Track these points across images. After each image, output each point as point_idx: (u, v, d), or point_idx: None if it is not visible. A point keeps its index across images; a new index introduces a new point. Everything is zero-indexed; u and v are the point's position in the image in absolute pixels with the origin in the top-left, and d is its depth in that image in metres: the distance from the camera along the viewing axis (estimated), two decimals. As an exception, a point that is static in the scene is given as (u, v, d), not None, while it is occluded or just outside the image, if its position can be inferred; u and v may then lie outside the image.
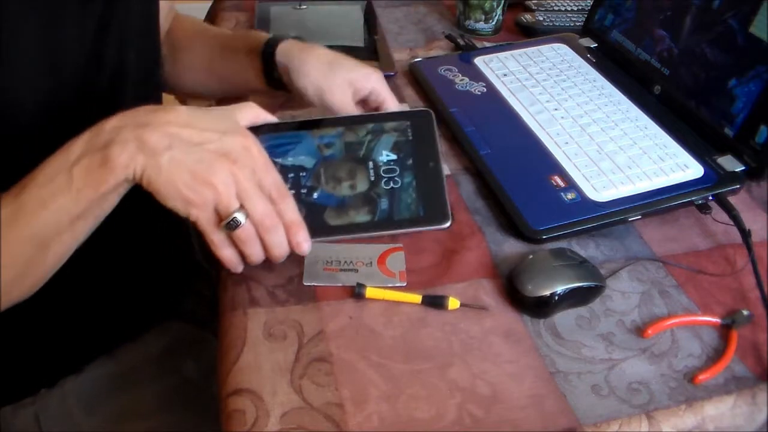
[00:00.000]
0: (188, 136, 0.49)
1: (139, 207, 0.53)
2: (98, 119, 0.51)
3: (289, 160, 0.56)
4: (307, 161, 0.56)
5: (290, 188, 0.55)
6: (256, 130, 0.53)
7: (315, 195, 0.56)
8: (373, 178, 0.55)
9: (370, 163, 0.55)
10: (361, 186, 0.55)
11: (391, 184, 0.55)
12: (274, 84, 0.73)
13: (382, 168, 0.55)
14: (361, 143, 0.56)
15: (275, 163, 0.53)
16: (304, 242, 0.54)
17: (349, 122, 0.57)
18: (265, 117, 0.55)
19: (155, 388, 0.74)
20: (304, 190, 0.55)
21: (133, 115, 0.49)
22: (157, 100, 0.75)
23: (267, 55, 0.71)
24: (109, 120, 0.49)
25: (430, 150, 0.56)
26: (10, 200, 0.49)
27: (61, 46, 0.57)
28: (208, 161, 0.49)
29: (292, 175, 0.56)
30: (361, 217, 0.56)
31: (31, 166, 0.50)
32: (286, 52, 0.70)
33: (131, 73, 0.66)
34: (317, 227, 0.56)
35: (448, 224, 0.55)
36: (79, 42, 0.59)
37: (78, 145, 0.49)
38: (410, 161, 0.55)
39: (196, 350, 0.78)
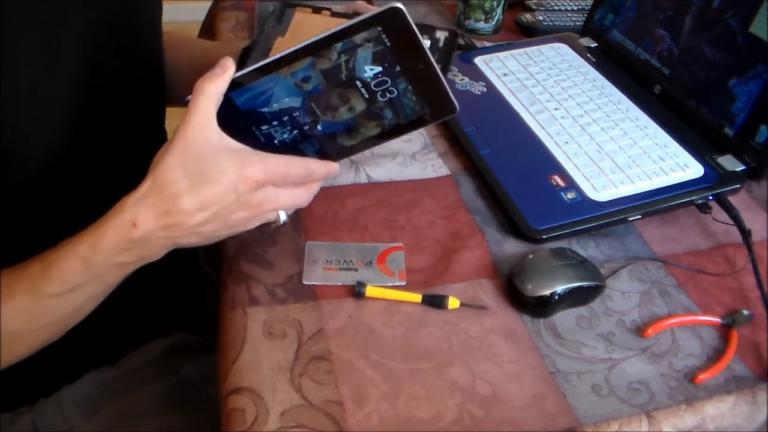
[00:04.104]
0: (211, 217, 0.50)
1: None
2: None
3: (275, 106, 0.52)
4: (293, 101, 0.52)
5: (290, 128, 0.53)
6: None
7: (319, 127, 0.53)
8: (367, 96, 0.52)
9: (358, 83, 0.52)
10: (359, 106, 0.52)
11: (388, 95, 0.52)
12: None
13: (372, 83, 0.52)
14: (338, 67, 0.51)
15: (262, 113, 0.52)
16: (335, 172, 0.56)
17: (315, 49, 0.50)
18: (217, 83, 0.51)
19: (153, 390, 0.73)
20: (306, 127, 0.52)
21: (151, 217, 0.49)
22: (161, 117, 0.75)
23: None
24: (133, 228, 0.49)
25: (413, 50, 0.50)
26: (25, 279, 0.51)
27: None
28: (240, 221, 0.52)
29: (286, 117, 0.52)
30: (372, 131, 0.54)
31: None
32: None
33: (124, 85, 0.65)
34: (336, 151, 0.55)
35: (455, 113, 0.52)
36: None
37: (105, 254, 0.50)
38: (397, 68, 0.51)
39: (194, 354, 0.77)
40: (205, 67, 0.73)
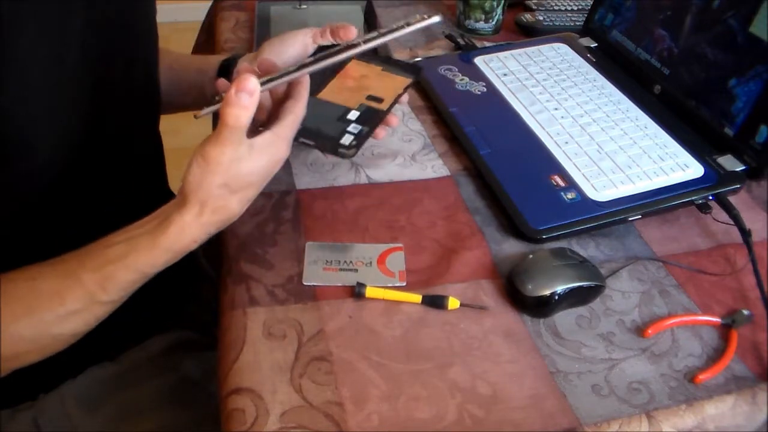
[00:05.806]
0: (253, 199, 0.56)
1: (143, 214, 0.55)
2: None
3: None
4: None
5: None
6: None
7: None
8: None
9: None
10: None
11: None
12: None
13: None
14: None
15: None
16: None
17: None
18: (247, 113, 0.53)
19: (154, 386, 0.74)
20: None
21: (206, 231, 0.54)
22: (157, 116, 0.76)
23: (229, 62, 0.76)
24: (193, 243, 0.54)
25: None
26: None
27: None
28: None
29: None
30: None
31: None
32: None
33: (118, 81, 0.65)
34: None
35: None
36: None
37: (160, 266, 0.54)
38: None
39: (195, 350, 0.78)
40: (186, 80, 0.79)
